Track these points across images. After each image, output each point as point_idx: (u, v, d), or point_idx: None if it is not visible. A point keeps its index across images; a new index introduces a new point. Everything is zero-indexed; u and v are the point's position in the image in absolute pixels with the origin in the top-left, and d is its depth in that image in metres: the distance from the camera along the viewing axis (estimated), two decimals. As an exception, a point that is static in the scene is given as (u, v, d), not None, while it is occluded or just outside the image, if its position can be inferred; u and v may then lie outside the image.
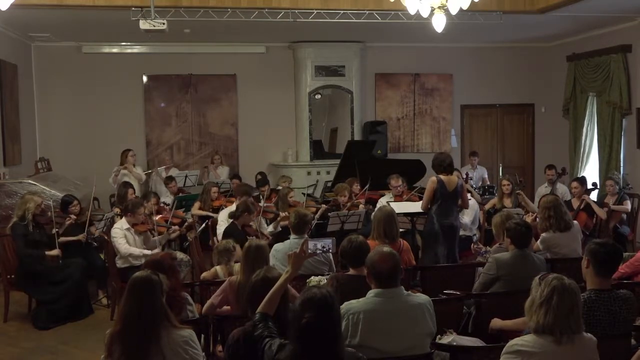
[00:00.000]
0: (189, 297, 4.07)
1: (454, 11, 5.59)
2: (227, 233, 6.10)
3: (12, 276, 6.28)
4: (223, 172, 10.06)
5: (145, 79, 10.55)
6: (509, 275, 4.35)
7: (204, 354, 3.36)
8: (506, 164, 11.40)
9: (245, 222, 6.28)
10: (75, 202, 6.94)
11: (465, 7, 5.56)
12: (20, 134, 9.15)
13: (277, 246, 5.18)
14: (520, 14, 8.25)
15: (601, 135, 9.75)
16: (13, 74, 8.97)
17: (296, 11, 7.67)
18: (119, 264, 6.24)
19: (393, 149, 11.14)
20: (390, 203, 6.94)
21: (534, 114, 11.84)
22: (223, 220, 6.78)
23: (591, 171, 10.07)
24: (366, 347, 3.14)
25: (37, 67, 10.18)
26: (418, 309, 3.29)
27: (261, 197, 7.75)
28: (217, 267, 4.91)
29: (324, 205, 7.73)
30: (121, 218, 6.60)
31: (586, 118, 10.22)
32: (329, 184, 9.15)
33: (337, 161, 9.44)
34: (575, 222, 5.60)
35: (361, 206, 7.62)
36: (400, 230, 5.44)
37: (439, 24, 5.76)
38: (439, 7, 5.62)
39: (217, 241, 6.23)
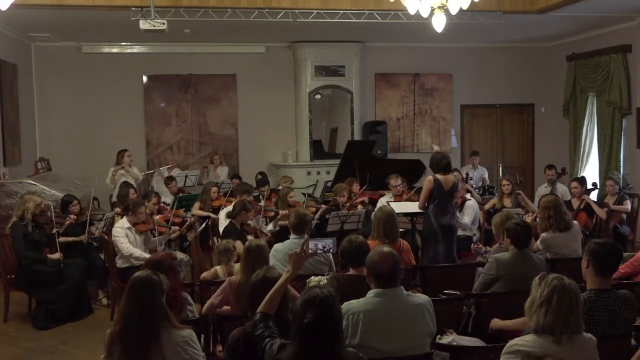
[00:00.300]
0: (189, 297, 4.07)
1: (453, 11, 5.59)
2: (226, 232, 6.11)
3: (12, 276, 6.28)
4: (223, 172, 10.05)
5: (145, 79, 10.55)
6: (509, 276, 4.35)
7: (204, 354, 3.36)
8: (506, 164, 11.40)
9: (243, 220, 6.30)
10: (75, 202, 6.94)
11: (465, 7, 5.57)
12: (20, 134, 9.14)
13: (277, 246, 5.18)
14: (520, 14, 8.25)
15: (601, 135, 9.75)
16: (13, 74, 8.97)
17: (296, 11, 7.66)
18: (119, 264, 6.24)
19: (393, 149, 11.13)
20: (390, 203, 6.94)
21: (534, 114, 11.83)
22: (223, 220, 6.79)
23: (591, 171, 10.07)
24: (366, 347, 3.14)
25: (37, 67, 10.18)
26: (418, 309, 3.29)
27: (261, 197, 7.76)
28: (217, 267, 4.92)
29: (324, 206, 7.73)
30: (121, 217, 6.61)
31: (586, 118, 10.22)
32: (329, 184, 9.15)
33: (337, 161, 9.44)
34: (575, 222, 5.60)
35: (359, 206, 7.61)
36: (400, 230, 5.45)
37: (439, 24, 5.76)
38: (439, 7, 5.62)
39: (218, 241, 6.23)
